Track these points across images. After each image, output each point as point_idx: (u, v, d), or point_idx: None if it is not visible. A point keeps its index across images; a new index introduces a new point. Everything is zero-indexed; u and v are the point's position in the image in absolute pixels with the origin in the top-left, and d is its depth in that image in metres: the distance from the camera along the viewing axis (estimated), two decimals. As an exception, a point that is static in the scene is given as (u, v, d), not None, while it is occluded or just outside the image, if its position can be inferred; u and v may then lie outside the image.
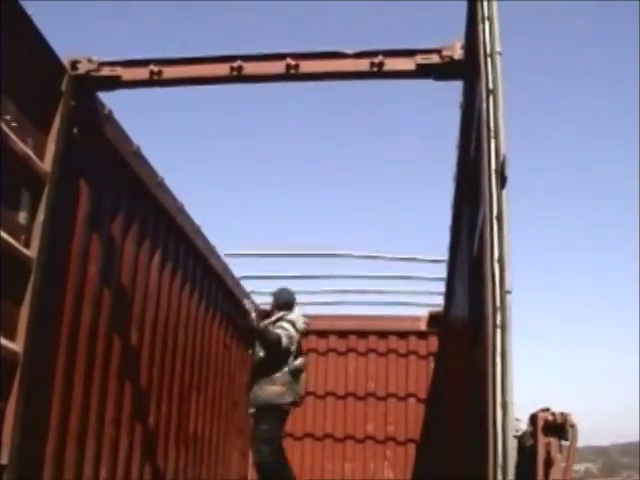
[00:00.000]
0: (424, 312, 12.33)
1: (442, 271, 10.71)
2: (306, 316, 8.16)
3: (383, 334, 12.39)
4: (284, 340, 7.47)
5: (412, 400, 12.12)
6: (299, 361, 7.74)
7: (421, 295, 12.08)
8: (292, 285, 12.04)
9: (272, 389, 7.49)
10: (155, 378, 7.79)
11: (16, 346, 5.06)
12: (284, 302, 8.03)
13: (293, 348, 7.61)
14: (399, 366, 12.30)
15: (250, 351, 8.91)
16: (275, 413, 7.52)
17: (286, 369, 7.56)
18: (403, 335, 12.36)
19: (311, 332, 11.46)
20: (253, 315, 7.51)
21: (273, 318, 7.85)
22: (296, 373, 7.66)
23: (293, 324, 7.71)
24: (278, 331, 7.51)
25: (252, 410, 7.68)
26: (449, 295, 10.64)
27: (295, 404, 7.72)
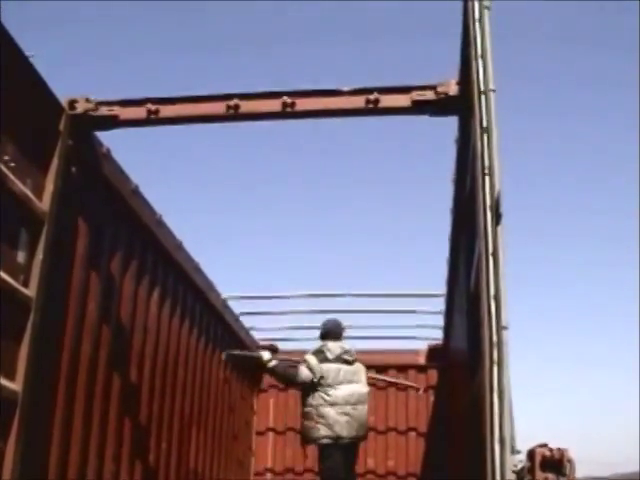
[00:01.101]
0: (423, 345, 12.32)
1: (440, 305, 10.73)
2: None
3: (383, 368, 12.35)
4: (302, 374, 7.39)
5: (412, 434, 12.07)
6: (340, 391, 7.41)
7: (420, 329, 12.09)
8: (289, 321, 12.10)
9: (305, 423, 7.47)
10: (155, 414, 7.78)
11: (15, 385, 5.05)
12: (324, 332, 7.92)
13: (317, 379, 7.37)
14: (399, 400, 12.27)
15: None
16: (322, 448, 7.38)
17: (320, 401, 7.34)
18: (402, 369, 12.34)
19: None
20: (266, 356, 7.56)
21: (312, 351, 7.72)
22: (336, 404, 7.34)
23: (322, 354, 7.54)
24: (300, 366, 7.45)
25: (304, 448, 7.71)
26: (448, 328, 10.65)
27: (344, 438, 7.33)
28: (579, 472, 3.76)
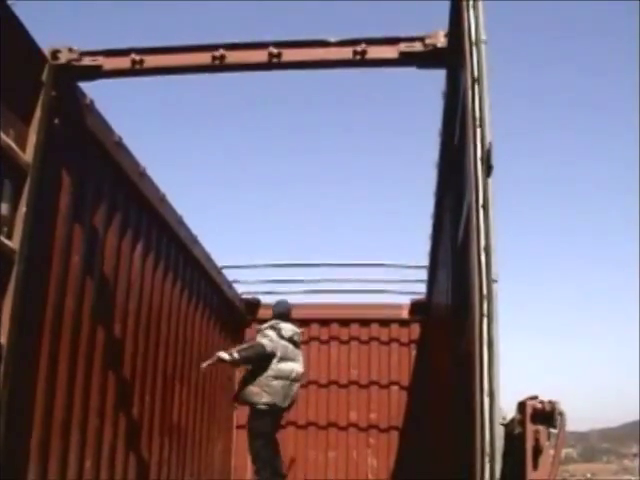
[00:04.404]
0: (406, 300, 12.34)
1: (424, 259, 10.74)
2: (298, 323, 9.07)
3: (365, 322, 12.37)
4: (266, 343, 8.26)
5: (395, 388, 12.10)
6: (285, 366, 8.31)
7: (403, 283, 12.11)
8: (274, 274, 12.10)
9: (250, 388, 8.20)
10: (139, 368, 7.78)
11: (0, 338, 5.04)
12: (278, 312, 8.82)
13: (276, 352, 8.23)
14: (381, 354, 12.29)
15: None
16: (258, 411, 8.20)
17: (269, 372, 8.18)
18: (385, 323, 12.34)
19: (293, 321, 11.49)
20: (228, 357, 8.23)
21: (265, 325, 8.67)
22: (279, 378, 8.23)
23: (279, 331, 8.44)
24: (260, 340, 8.36)
25: (235, 405, 8.70)
26: (431, 283, 10.67)
27: (277, 406, 8.26)
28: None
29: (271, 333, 8.40)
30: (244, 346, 8.59)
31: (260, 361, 8.22)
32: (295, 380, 8.48)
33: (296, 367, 8.49)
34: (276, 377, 8.19)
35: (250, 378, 8.26)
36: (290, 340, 8.51)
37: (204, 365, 8.39)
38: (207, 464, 10.49)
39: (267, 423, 8.27)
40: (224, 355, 8.22)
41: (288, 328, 8.56)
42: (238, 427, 11.76)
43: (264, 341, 8.28)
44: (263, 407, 8.17)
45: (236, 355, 8.20)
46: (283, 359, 8.30)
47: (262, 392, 8.12)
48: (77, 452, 6.29)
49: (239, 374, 9.63)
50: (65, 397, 6.09)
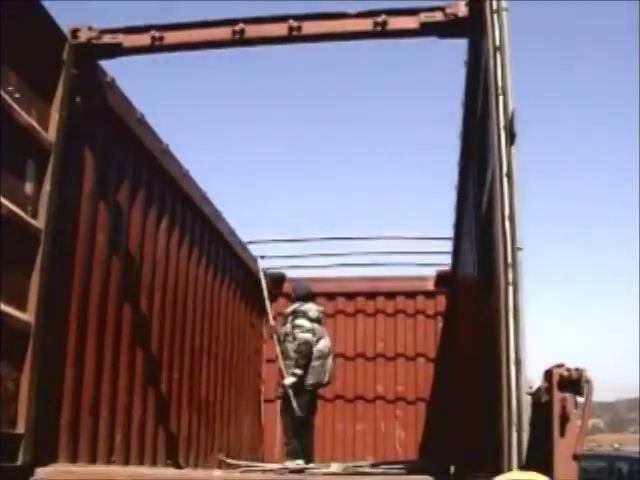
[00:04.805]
0: (431, 272, 12.31)
1: (449, 230, 10.69)
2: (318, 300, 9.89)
3: (391, 295, 12.38)
4: (308, 336, 8.73)
5: (421, 360, 12.11)
6: (321, 345, 8.87)
7: (428, 255, 12.07)
8: (299, 249, 12.14)
9: (295, 371, 8.67)
10: (166, 344, 7.83)
11: (27, 316, 5.09)
12: (299, 295, 9.24)
13: (315, 338, 8.78)
14: (407, 326, 12.30)
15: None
16: (303, 390, 8.71)
17: (312, 355, 8.73)
18: (411, 295, 12.34)
19: (319, 294, 11.53)
20: (293, 379, 8.70)
21: (289, 310, 9.16)
22: (319, 358, 8.77)
23: (305, 314, 8.89)
24: (299, 335, 8.77)
25: (281, 390, 8.88)
26: (456, 254, 10.63)
27: (320, 385, 8.97)
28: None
29: (303, 322, 8.83)
30: (292, 355, 8.83)
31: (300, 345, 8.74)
32: (328, 355, 9.01)
33: (327, 343, 9.02)
34: (318, 357, 8.77)
35: (290, 364, 8.80)
36: (317, 320, 8.99)
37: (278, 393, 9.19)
38: (236, 437, 10.56)
39: (306, 400, 8.76)
40: (290, 380, 8.70)
41: (313, 309, 9.02)
42: (266, 401, 11.83)
43: (305, 336, 8.74)
44: (309, 388, 8.76)
45: (298, 371, 8.67)
46: (318, 340, 8.84)
47: (306, 374, 8.67)
48: (107, 428, 6.35)
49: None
50: (94, 374, 6.15)
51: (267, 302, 10.67)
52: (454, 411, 10.28)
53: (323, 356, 8.87)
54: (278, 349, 9.54)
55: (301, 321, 8.83)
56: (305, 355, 8.64)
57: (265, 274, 11.79)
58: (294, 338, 8.75)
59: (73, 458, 5.74)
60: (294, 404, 8.67)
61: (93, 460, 6.07)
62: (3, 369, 4.81)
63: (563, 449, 3.60)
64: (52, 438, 5.51)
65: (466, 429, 8.29)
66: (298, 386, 8.65)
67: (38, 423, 5.10)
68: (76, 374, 5.85)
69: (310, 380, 8.68)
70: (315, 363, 8.73)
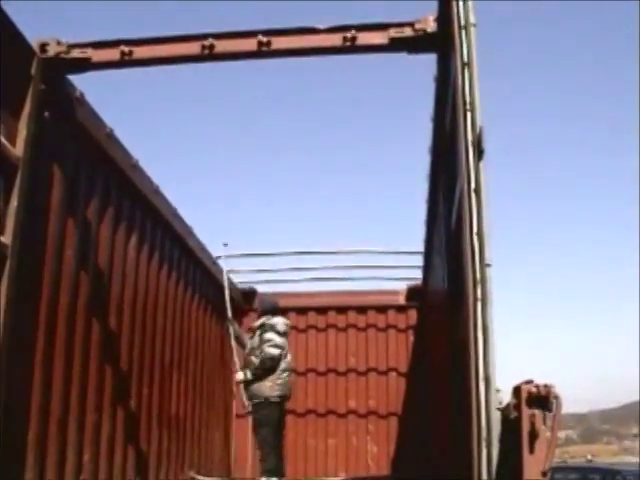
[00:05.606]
0: (402, 286, 12.33)
1: (419, 245, 10.72)
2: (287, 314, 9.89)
3: (362, 309, 12.38)
4: (275, 352, 8.65)
5: (393, 374, 12.12)
6: (289, 358, 8.93)
7: (399, 269, 12.10)
8: (270, 263, 12.12)
9: (264, 384, 8.61)
10: (136, 360, 7.77)
11: (-6, 333, 5.02)
12: (266, 308, 9.18)
13: (284, 352, 8.78)
14: (379, 340, 12.30)
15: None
16: (270, 403, 8.60)
17: (280, 367, 8.70)
18: (382, 309, 12.35)
19: (291, 309, 11.54)
20: (241, 376, 8.83)
21: (257, 324, 9.04)
22: (286, 370, 8.79)
23: (273, 327, 8.82)
24: (267, 349, 8.67)
25: (249, 403, 8.77)
26: (427, 268, 10.66)
27: (287, 399, 8.89)
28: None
29: (272, 336, 8.75)
30: (263, 354, 8.75)
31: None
32: (293, 369, 9.20)
33: (290, 358, 9.04)
34: (285, 370, 8.76)
35: (259, 375, 8.65)
36: (284, 334, 8.94)
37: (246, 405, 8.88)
38: (207, 454, 10.49)
39: (276, 412, 8.67)
40: (241, 375, 8.84)
41: (280, 322, 8.97)
42: (237, 416, 11.77)
43: (273, 352, 8.65)
44: (276, 400, 8.64)
45: (250, 375, 8.68)
46: (285, 353, 8.82)
47: (275, 386, 8.60)
48: (75, 446, 6.28)
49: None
50: (62, 392, 6.07)
51: (227, 297, 10.39)
52: (426, 426, 10.30)
53: (290, 370, 8.95)
54: (233, 342, 9.74)
55: (270, 335, 8.73)
56: (267, 368, 8.61)
57: (236, 289, 11.73)
58: (262, 351, 8.69)
59: (40, 478, 5.66)
60: (244, 397, 8.81)
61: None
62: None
63: (532, 465, 3.61)
64: (18, 458, 5.44)
65: (437, 444, 8.30)
66: (264, 399, 8.60)
67: (3, 442, 5.02)
68: (43, 392, 5.77)
69: (276, 392, 8.61)
70: (283, 375, 8.70)
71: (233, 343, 9.76)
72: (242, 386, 8.83)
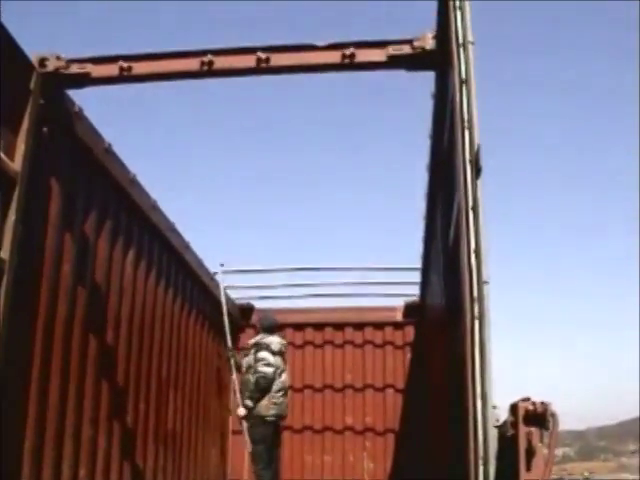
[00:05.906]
0: (400, 302, 12.32)
1: (417, 261, 10.73)
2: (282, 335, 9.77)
3: (359, 325, 12.38)
4: (269, 371, 8.70)
5: (390, 391, 12.10)
6: (284, 377, 8.95)
7: (397, 286, 12.11)
8: (268, 279, 12.15)
9: (262, 403, 8.69)
10: (132, 375, 7.75)
11: (-9, 348, 5.01)
12: (264, 326, 9.25)
13: (278, 371, 8.81)
14: (376, 357, 12.28)
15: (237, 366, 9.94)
16: (265, 421, 8.69)
17: (276, 387, 8.74)
18: (379, 326, 12.34)
19: (287, 325, 11.53)
20: (245, 411, 8.83)
21: (252, 342, 9.16)
22: (281, 390, 8.83)
23: (267, 346, 8.88)
24: (260, 368, 8.71)
25: (245, 421, 8.94)
26: (425, 285, 10.66)
27: (282, 417, 8.96)
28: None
29: (266, 354, 8.80)
30: (251, 386, 8.76)
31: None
32: (288, 388, 9.19)
33: (286, 377, 9.09)
34: (279, 390, 8.79)
35: (254, 396, 8.69)
36: (279, 353, 8.99)
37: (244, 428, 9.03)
38: (202, 470, 10.46)
39: (271, 430, 8.75)
40: (242, 411, 8.88)
41: (275, 342, 9.01)
42: (233, 432, 11.73)
43: (266, 370, 8.68)
44: (271, 419, 8.72)
45: (249, 403, 8.72)
46: (280, 372, 8.86)
47: (270, 405, 8.68)
48: (71, 461, 6.25)
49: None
50: (58, 406, 6.05)
51: (226, 323, 10.50)
52: (423, 442, 10.27)
53: (285, 389, 8.96)
54: (234, 375, 9.87)
55: (264, 354, 8.82)
56: (261, 389, 8.63)
57: (227, 297, 11.70)
58: (255, 371, 8.72)
59: (36, 493, 5.64)
60: (246, 437, 8.91)
61: (57, 496, 5.98)
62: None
63: (529, 483, 3.60)
64: (14, 473, 5.41)
65: (435, 461, 8.28)
66: (259, 417, 8.67)
67: (1, 455, 5.01)
68: (39, 407, 5.75)
69: (272, 411, 8.67)
70: (277, 394, 8.74)
71: (234, 376, 9.89)
72: (245, 425, 8.96)
